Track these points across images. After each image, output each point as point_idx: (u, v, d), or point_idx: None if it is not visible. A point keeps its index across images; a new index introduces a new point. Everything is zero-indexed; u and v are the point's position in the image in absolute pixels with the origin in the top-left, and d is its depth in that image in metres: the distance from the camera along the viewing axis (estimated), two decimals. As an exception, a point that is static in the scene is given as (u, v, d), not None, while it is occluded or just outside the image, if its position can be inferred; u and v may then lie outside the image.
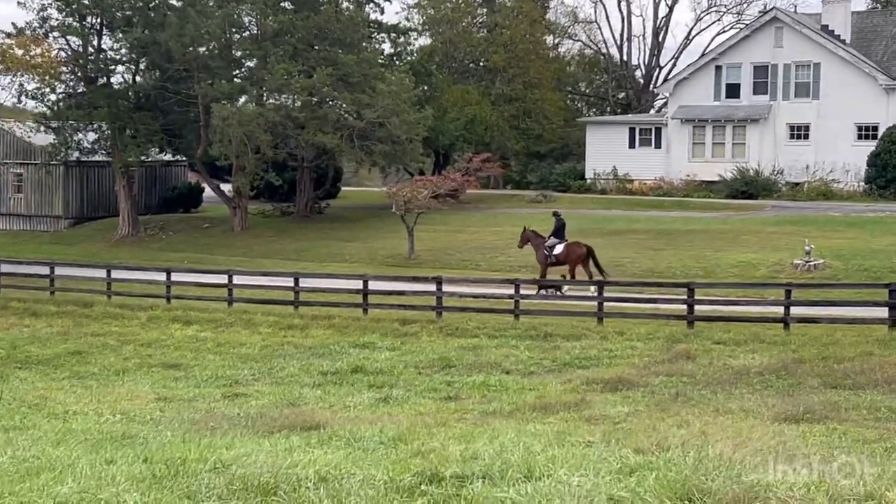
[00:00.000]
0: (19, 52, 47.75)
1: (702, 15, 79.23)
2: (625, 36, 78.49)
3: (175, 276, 32.44)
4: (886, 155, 48.36)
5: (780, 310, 24.88)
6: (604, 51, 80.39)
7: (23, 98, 50.59)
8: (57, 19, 49.30)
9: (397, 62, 54.66)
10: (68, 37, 49.71)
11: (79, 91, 51.20)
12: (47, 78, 48.92)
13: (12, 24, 49.94)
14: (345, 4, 50.05)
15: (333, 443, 10.37)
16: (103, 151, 52.38)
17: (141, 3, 49.57)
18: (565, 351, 22.42)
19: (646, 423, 11.70)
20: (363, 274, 30.86)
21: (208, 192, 55.04)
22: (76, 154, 52.04)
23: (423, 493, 6.90)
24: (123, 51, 51.12)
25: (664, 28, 78.24)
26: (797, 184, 51.31)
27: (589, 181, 56.35)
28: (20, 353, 24.39)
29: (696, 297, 25.78)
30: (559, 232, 31.66)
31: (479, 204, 52.11)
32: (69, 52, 50.32)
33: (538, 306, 28.10)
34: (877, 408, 13.79)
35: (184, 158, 57.47)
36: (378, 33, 53.95)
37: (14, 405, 16.48)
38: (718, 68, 54.01)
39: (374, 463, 8.30)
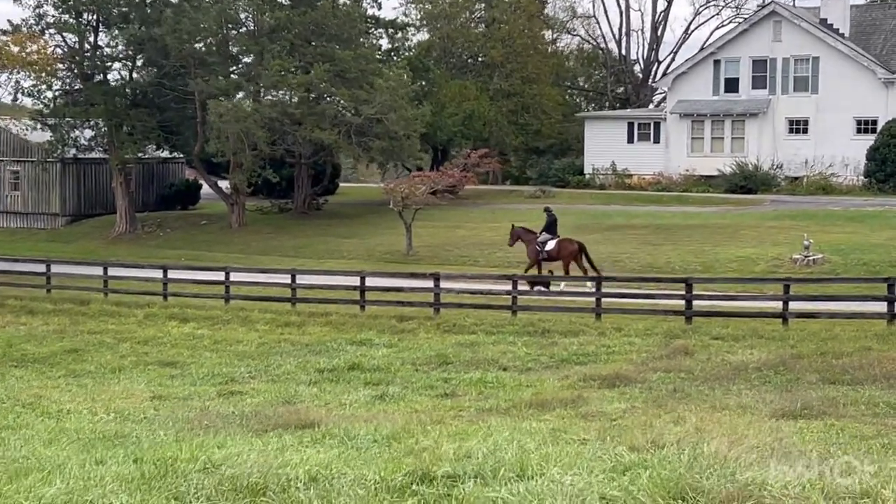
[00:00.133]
0: (15, 49, 47.61)
1: (700, 9, 79.28)
2: (623, 30, 78.54)
3: (172, 274, 32.37)
4: (885, 149, 48.28)
5: (779, 305, 24.80)
6: (602, 45, 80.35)
7: (19, 95, 50.57)
8: (53, 16, 49.28)
9: (395, 58, 54.53)
10: (64, 34, 49.62)
11: (75, 88, 51.12)
12: (44, 75, 48.81)
13: (8, 21, 50.03)
14: (342, 0, 49.88)
15: (327, 441, 10.28)
16: (100, 148, 52.27)
17: (137, 0, 49.46)
18: (563, 347, 22.33)
19: (642, 419, 11.62)
20: (360, 271, 30.77)
21: (206, 189, 54.93)
22: (73, 151, 51.97)
23: (414, 493, 6.82)
24: (120, 47, 51.06)
25: (663, 22, 78.27)
26: (796, 178, 51.22)
27: (588, 176, 56.26)
28: (16, 352, 24.29)
29: (694, 293, 25.70)
30: (550, 228, 31.55)
31: (478, 200, 52.01)
32: (65, 49, 50.23)
33: (536, 302, 28.02)
34: (875, 403, 13.69)
35: (181, 155, 57.38)
36: (375, 29, 53.81)
37: (8, 404, 16.37)
38: (717, 62, 53.92)
39: (366, 462, 8.22)
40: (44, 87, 49.77)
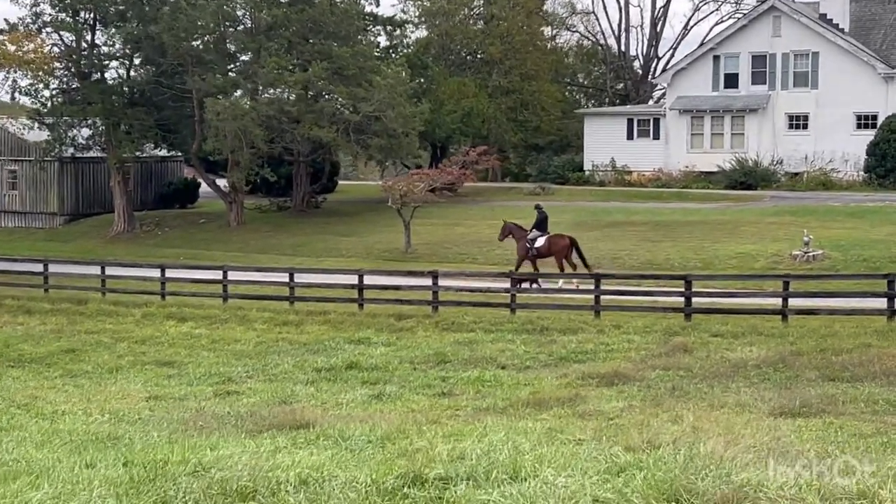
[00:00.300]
0: (12, 47, 47.48)
1: (700, 5, 79.12)
2: (623, 26, 78.42)
3: (170, 273, 32.28)
4: (885, 144, 48.16)
5: (779, 301, 24.71)
6: (602, 42, 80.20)
7: (16, 94, 50.46)
8: (50, 15, 49.13)
9: (393, 55, 54.36)
10: (61, 32, 49.45)
11: (73, 87, 51.00)
12: (41, 74, 48.69)
13: (5, 20, 49.87)
14: (339, -3, 49.77)
15: (321, 442, 10.20)
16: (98, 147, 52.14)
17: (134, -2, 49.38)
18: (562, 345, 22.24)
19: (639, 418, 11.53)
20: (359, 269, 30.68)
21: (205, 187, 54.80)
22: (71, 150, 51.84)
23: (406, 497, 6.74)
24: (117, 46, 50.93)
25: (662, 18, 78.15)
26: (796, 174, 51.10)
27: (587, 173, 56.14)
28: (13, 352, 24.20)
29: (693, 290, 25.62)
30: (541, 225, 31.50)
31: (477, 197, 51.90)
32: (62, 48, 50.09)
33: (535, 300, 27.94)
34: (874, 401, 13.61)
35: (179, 154, 57.26)
36: (373, 26, 53.68)
37: (3, 405, 16.28)
38: (716, 58, 53.78)
39: (358, 464, 8.14)
40: (41, 85, 49.73)
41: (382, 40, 55.78)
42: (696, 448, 7.60)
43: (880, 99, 50.45)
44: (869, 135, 49.55)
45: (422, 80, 55.88)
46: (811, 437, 10.19)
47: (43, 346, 24.74)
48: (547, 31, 76.71)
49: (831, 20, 53.24)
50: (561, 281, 29.45)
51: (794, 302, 24.73)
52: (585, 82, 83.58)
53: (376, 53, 51.74)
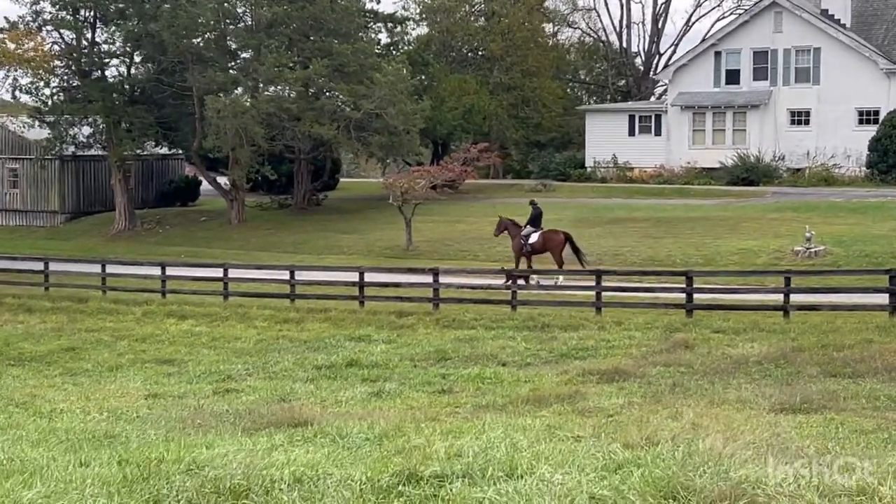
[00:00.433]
0: (11, 46, 47.41)
1: (701, 1, 78.93)
2: (624, 23, 78.19)
3: (170, 271, 32.23)
4: (887, 140, 48.03)
5: (780, 297, 24.63)
6: (603, 38, 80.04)
7: (17, 92, 50.38)
8: (50, 13, 48.99)
9: (394, 52, 54.31)
10: (62, 30, 49.38)
11: (73, 85, 50.94)
12: (41, 72, 48.63)
13: (5, 18, 49.78)
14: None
15: (318, 440, 10.13)
16: (99, 145, 52.11)
17: (134, -5, 49.30)
18: (562, 342, 22.18)
19: (638, 415, 11.46)
20: (359, 266, 30.63)
21: (206, 185, 54.76)
22: (71, 148, 51.78)
23: (400, 494, 6.68)
24: (117, 44, 50.86)
25: (663, 15, 77.94)
26: (798, 170, 50.97)
27: (589, 169, 56.04)
28: (13, 350, 24.19)
29: (695, 286, 25.56)
30: (535, 220, 31.46)
31: (478, 194, 51.83)
32: (63, 46, 50.02)
33: (536, 297, 27.86)
34: (876, 396, 13.54)
35: (180, 152, 57.19)
36: (374, 23, 53.56)
37: (2, 404, 16.24)
38: (718, 54, 53.66)
39: (354, 462, 8.08)
40: (41, 84, 49.66)
41: (383, 37, 55.77)
42: (695, 445, 7.55)
43: (882, 94, 50.33)
44: (871, 130, 49.41)
45: (423, 77, 55.80)
46: (812, 434, 10.11)
47: (43, 345, 24.71)
48: (548, 27, 76.56)
49: (833, 15, 53.11)
50: (561, 277, 29.36)
51: (795, 298, 24.66)
52: (587, 79, 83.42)
53: (377, 50, 51.67)
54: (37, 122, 50.56)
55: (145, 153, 54.12)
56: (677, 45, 77.66)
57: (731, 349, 19.58)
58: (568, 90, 77.60)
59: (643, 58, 79.13)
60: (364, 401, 15.96)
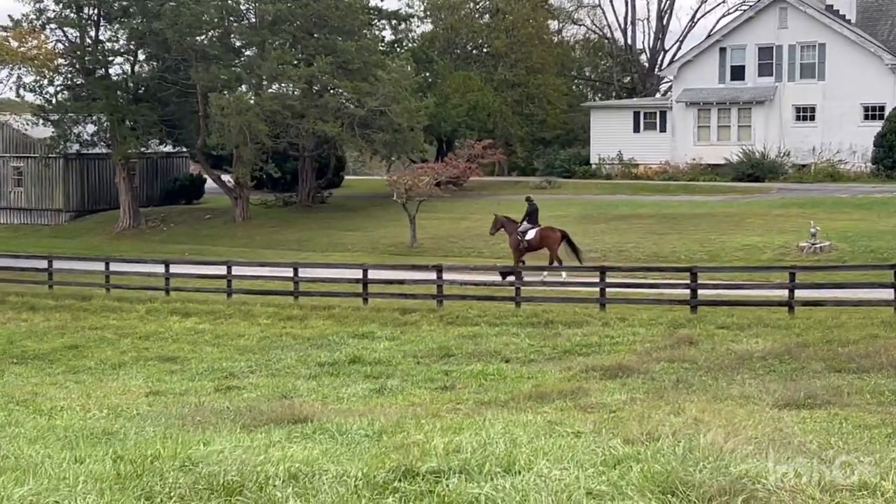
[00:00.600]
0: (15, 44, 47.38)
1: (706, -3, 78.66)
2: (629, 19, 78.04)
3: (174, 268, 32.18)
4: (893, 135, 47.83)
5: (785, 293, 24.52)
6: (608, 35, 79.91)
7: (21, 91, 50.39)
8: (54, 11, 48.95)
9: (398, 49, 54.23)
10: (65, 28, 49.38)
11: (77, 83, 50.93)
12: (45, 70, 48.62)
13: (9, 16, 49.78)
14: (344, -9, 49.53)
15: (317, 437, 10.05)
16: (103, 143, 52.11)
17: (138, -7, 49.27)
18: (566, 338, 22.10)
19: (640, 411, 11.37)
20: (363, 263, 30.56)
21: (210, 183, 54.73)
22: (75, 147, 51.75)
23: (396, 490, 6.58)
24: (121, 42, 50.85)
25: (668, 11, 77.81)
26: (804, 166, 50.82)
27: (594, 166, 55.91)
28: (16, 348, 24.16)
29: (699, 282, 25.45)
30: (532, 217, 31.40)
31: (482, 191, 51.73)
32: (66, 44, 50.01)
33: (540, 293, 27.77)
34: (881, 392, 13.46)
35: (185, 150, 57.16)
36: (378, 20, 53.49)
37: (2, 402, 16.17)
38: (723, 50, 53.51)
39: (351, 458, 7.98)
40: (45, 82, 49.67)
41: (387, 34, 55.73)
42: (696, 440, 7.45)
43: (888, 90, 50.15)
44: (876, 126, 49.22)
45: (427, 74, 55.71)
46: (815, 429, 10.02)
47: (46, 343, 24.68)
48: (553, 24, 76.43)
49: (838, 11, 52.96)
50: (564, 273, 29.26)
51: (800, 293, 24.56)
52: (592, 75, 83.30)
53: (381, 48, 51.62)
54: (41, 121, 50.56)
55: (149, 151, 54.11)
56: (682, 41, 77.59)
57: (735, 345, 19.51)
58: (573, 87, 77.52)
59: (648, 54, 79.01)
60: (366, 397, 15.90)
